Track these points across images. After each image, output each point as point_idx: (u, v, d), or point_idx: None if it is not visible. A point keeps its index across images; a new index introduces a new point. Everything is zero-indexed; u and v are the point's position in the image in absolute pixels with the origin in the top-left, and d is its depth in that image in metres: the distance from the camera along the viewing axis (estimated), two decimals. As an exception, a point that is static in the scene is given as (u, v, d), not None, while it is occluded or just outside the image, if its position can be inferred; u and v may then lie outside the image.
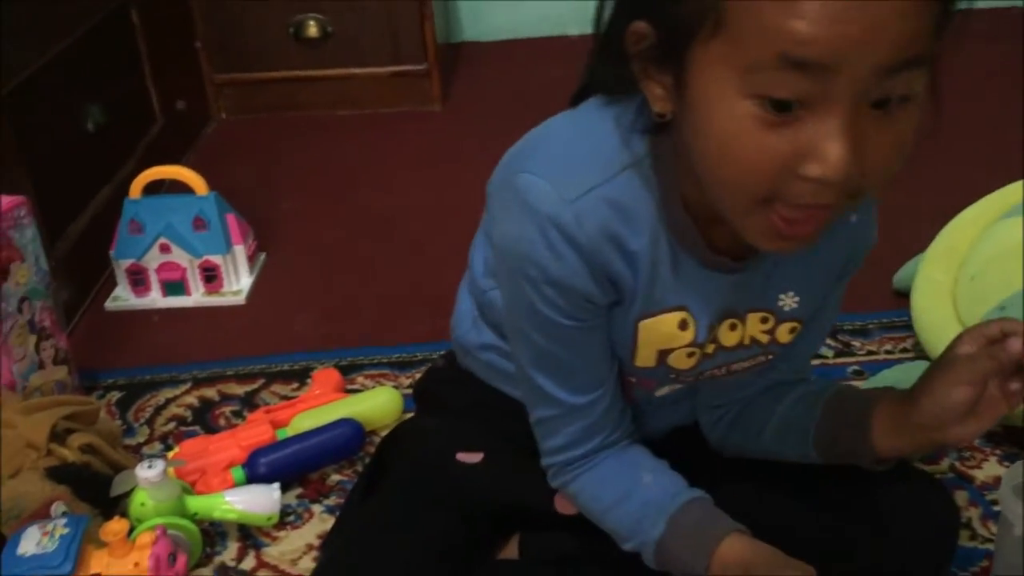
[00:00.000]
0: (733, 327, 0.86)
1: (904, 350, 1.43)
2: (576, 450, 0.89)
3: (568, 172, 0.77)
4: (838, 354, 1.43)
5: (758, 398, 0.95)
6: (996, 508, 1.15)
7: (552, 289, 0.79)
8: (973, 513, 1.15)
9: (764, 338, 0.88)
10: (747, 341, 0.87)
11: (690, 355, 0.86)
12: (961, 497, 1.17)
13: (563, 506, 0.97)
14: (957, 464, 1.21)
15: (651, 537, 0.87)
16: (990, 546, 1.10)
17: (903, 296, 1.50)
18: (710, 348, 0.87)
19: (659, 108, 0.72)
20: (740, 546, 0.84)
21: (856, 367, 1.40)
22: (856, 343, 1.45)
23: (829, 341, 1.45)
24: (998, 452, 1.23)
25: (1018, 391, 0.78)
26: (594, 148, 0.78)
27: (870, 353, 1.43)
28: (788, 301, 0.86)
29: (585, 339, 0.83)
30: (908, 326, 1.44)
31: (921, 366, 1.28)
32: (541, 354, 0.85)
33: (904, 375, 1.28)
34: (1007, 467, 1.18)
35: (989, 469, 1.21)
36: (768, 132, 0.65)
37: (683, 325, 0.84)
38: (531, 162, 0.79)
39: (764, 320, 0.87)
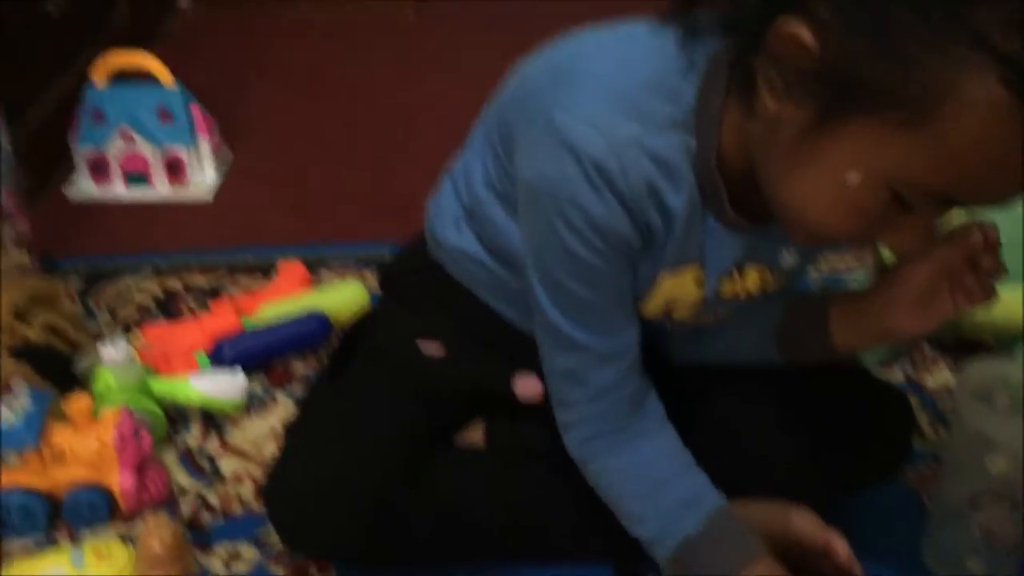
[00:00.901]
0: (731, 278, 0.86)
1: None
2: (605, 421, 0.87)
3: (614, 115, 0.74)
4: (800, 265, 1.45)
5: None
6: (945, 414, 1.19)
7: (592, 232, 0.77)
8: (922, 417, 1.19)
9: (756, 288, 0.88)
10: (742, 293, 0.87)
11: (693, 308, 0.87)
12: (912, 402, 1.20)
13: (524, 388, 0.99)
14: (910, 372, 1.25)
15: (681, 531, 0.86)
16: (938, 449, 1.14)
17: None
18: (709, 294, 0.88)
19: (770, 103, 0.69)
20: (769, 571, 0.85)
21: (818, 278, 1.42)
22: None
23: (792, 253, 1.47)
24: (948, 360, 1.27)
25: (971, 286, 0.79)
26: (642, 90, 0.75)
27: (832, 270, 1.45)
28: (789, 258, 0.87)
29: (619, 281, 0.82)
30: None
31: (881, 277, 1.32)
32: (573, 300, 0.81)
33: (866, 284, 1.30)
34: (957, 376, 1.22)
35: (939, 376, 1.25)
36: (877, 209, 0.68)
37: (699, 282, 0.84)
38: (571, 98, 0.75)
39: (761, 273, 0.87)
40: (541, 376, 0.91)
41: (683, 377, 0.98)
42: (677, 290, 0.84)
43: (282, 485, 0.95)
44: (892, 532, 1.03)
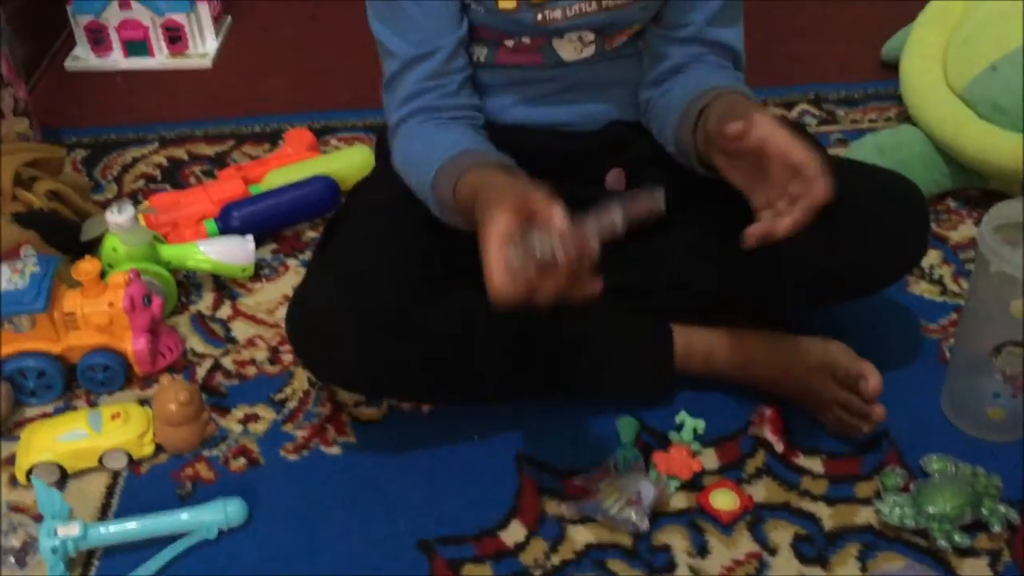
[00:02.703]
0: None
1: (888, 119, 1.41)
2: (412, 103, 0.92)
3: None
4: (821, 122, 1.41)
5: (683, 75, 0.94)
6: (968, 267, 1.16)
7: None
8: (946, 271, 1.16)
9: None
10: None
11: None
12: (935, 255, 1.18)
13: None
14: (934, 225, 1.22)
15: (429, 180, 0.87)
16: (960, 301, 1.12)
17: (891, 67, 1.46)
18: None
19: None
20: (476, 174, 0.83)
21: (839, 135, 1.38)
22: (840, 112, 1.43)
23: (813, 110, 1.43)
24: (974, 215, 1.24)
25: None
26: None
27: (853, 122, 1.41)
28: None
29: None
30: (893, 96, 1.41)
31: (904, 130, 1.28)
32: (383, 1, 0.89)
33: (888, 139, 1.26)
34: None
35: (964, 231, 1.22)
36: None
37: None
38: None
39: None
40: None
41: (696, 191, 0.97)
42: None
43: (301, 306, 0.93)
44: (910, 383, 1.02)
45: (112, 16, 1.55)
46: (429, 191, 0.88)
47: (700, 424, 0.98)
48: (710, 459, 0.97)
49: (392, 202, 0.97)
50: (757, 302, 1.00)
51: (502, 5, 0.90)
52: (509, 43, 0.94)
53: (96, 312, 1.03)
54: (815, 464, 0.96)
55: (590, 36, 0.94)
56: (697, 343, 1.00)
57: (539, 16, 0.90)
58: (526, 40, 0.94)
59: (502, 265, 0.71)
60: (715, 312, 1.01)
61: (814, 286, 0.96)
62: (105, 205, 1.30)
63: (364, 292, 0.91)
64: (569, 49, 0.95)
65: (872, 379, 0.93)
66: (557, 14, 0.91)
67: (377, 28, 0.93)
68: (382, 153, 1.09)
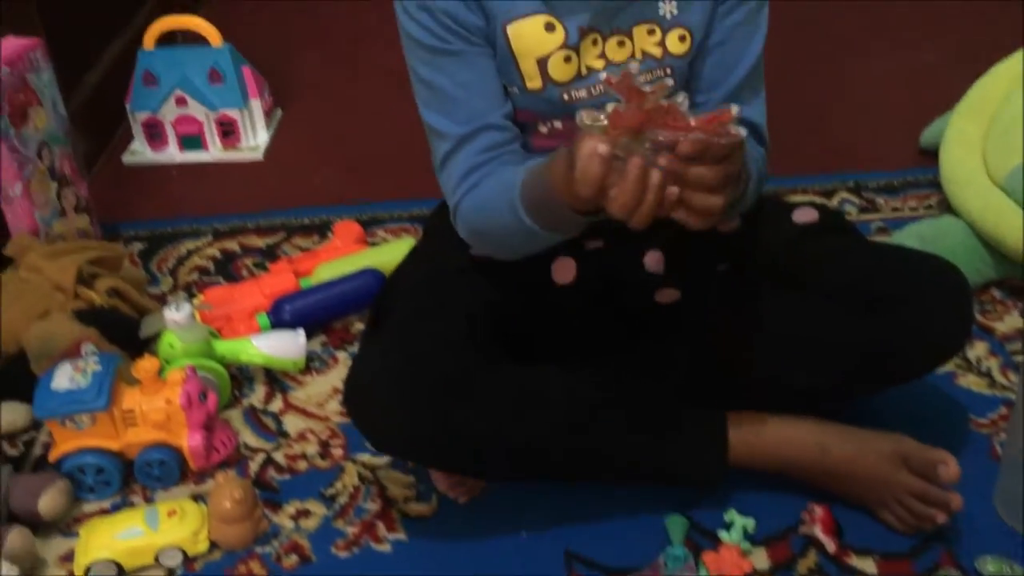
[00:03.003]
0: (622, 43, 0.93)
1: (928, 207, 1.42)
2: (471, 177, 0.94)
3: None
4: (862, 211, 1.42)
5: None
6: (1016, 358, 1.16)
7: (421, 11, 0.90)
8: (993, 363, 1.16)
9: (656, 51, 0.93)
10: (639, 55, 0.93)
11: (567, 60, 0.92)
12: (982, 347, 1.18)
13: (561, 274, 1.02)
14: (979, 316, 1.22)
15: (515, 196, 0.88)
16: (1009, 394, 1.11)
17: (930, 155, 1.48)
18: (599, 64, 0.93)
19: None
20: (560, 152, 0.84)
21: (880, 223, 1.39)
22: (881, 200, 1.44)
23: (853, 198, 1.44)
24: (1020, 305, 1.24)
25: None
26: None
27: (895, 210, 1.42)
28: (667, 8, 0.92)
29: (461, 66, 0.92)
30: (933, 184, 1.43)
31: (946, 220, 1.29)
32: (427, 89, 0.94)
33: (929, 229, 1.27)
34: (1029, 319, 1.19)
35: (1010, 321, 1.22)
36: None
37: (549, 27, 0.91)
38: None
39: (651, 32, 0.93)
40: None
41: (735, 280, 0.99)
42: (530, 40, 0.91)
43: (358, 379, 0.95)
44: (961, 480, 1.01)
45: (169, 112, 1.61)
46: (518, 208, 0.88)
47: (750, 523, 0.98)
48: (761, 559, 0.96)
49: (438, 276, 1.01)
50: (804, 390, 1.00)
51: (530, 85, 0.93)
52: (543, 129, 0.97)
53: (154, 409, 1.06)
54: (868, 565, 0.95)
55: None
56: (769, 433, 0.99)
57: (565, 96, 0.94)
58: (558, 125, 0.97)
59: (592, 138, 0.74)
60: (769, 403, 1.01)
61: (857, 371, 0.97)
62: (160, 298, 1.35)
63: (417, 361, 0.93)
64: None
65: (951, 464, 0.93)
66: (583, 93, 0.94)
67: (425, 113, 0.96)
68: (427, 231, 1.13)
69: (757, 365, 0.99)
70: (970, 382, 1.14)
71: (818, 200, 1.44)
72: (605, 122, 0.75)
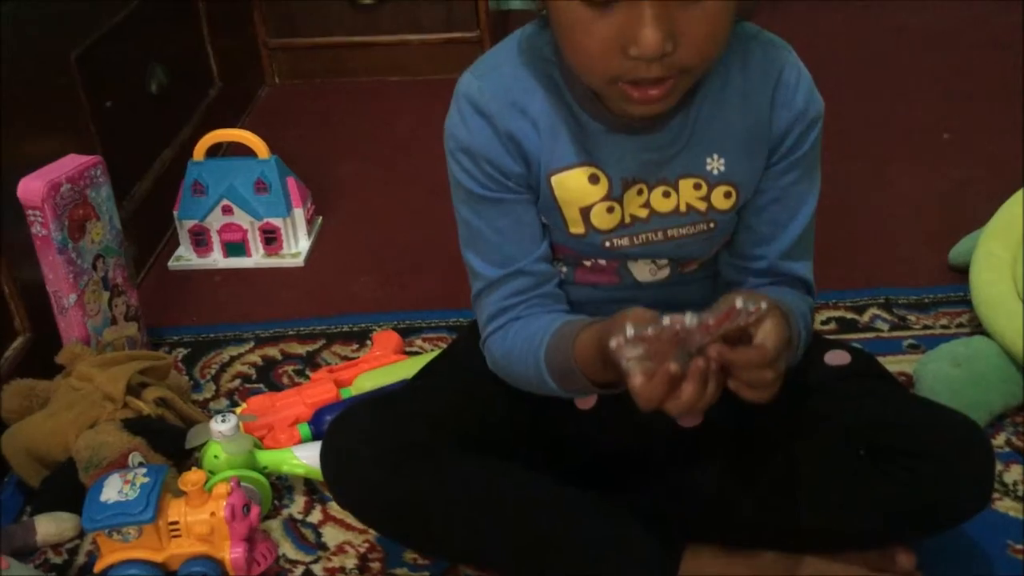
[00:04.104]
0: (667, 195, 0.94)
1: (960, 325, 1.43)
2: (500, 318, 0.98)
3: (484, 62, 0.95)
4: (893, 328, 1.44)
5: None
6: (1052, 482, 1.16)
7: (465, 157, 0.93)
8: (1029, 487, 1.16)
9: (701, 205, 0.95)
10: (683, 208, 0.95)
11: (610, 210, 0.94)
12: (1017, 471, 1.18)
13: (582, 401, 1.04)
14: (1013, 438, 1.23)
15: (540, 359, 0.93)
16: (1046, 519, 1.11)
17: (959, 272, 1.50)
18: (643, 213, 0.95)
19: (538, 8, 0.90)
20: (588, 331, 0.90)
21: (912, 341, 1.41)
22: (912, 317, 1.46)
23: (884, 315, 1.46)
24: (1055, 427, 1.24)
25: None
26: (509, 45, 0.95)
27: (926, 327, 1.44)
28: (715, 164, 0.94)
29: (498, 213, 0.95)
30: (964, 301, 1.45)
31: (978, 341, 1.30)
32: (467, 228, 0.98)
33: (962, 350, 1.29)
34: (1064, 442, 1.20)
35: (1045, 444, 1.22)
36: (594, 23, 0.81)
37: (593, 179, 0.93)
38: (472, 65, 0.96)
39: (697, 187, 0.94)
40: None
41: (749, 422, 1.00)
42: (573, 191, 0.94)
43: (335, 424, 1.03)
44: (1003, 609, 1.01)
45: (215, 220, 1.67)
46: (543, 366, 0.93)
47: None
48: None
49: (460, 369, 1.05)
50: (811, 530, 0.99)
51: (572, 230, 0.96)
52: (587, 263, 1.00)
53: (199, 521, 1.08)
54: None
55: (663, 260, 1.00)
56: (708, 568, 0.99)
57: (607, 243, 0.97)
58: (602, 262, 1.00)
59: (638, 368, 0.78)
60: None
61: (869, 523, 0.97)
62: (203, 404, 1.38)
63: (392, 424, 0.98)
64: (644, 271, 1.01)
65: (906, 554, 0.97)
66: (625, 241, 0.97)
67: (463, 249, 1.00)
68: (460, 338, 1.16)
69: (763, 500, 0.99)
70: (1007, 507, 1.14)
71: (848, 316, 1.46)
72: (642, 353, 0.78)
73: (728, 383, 0.81)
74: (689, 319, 0.78)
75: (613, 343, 0.79)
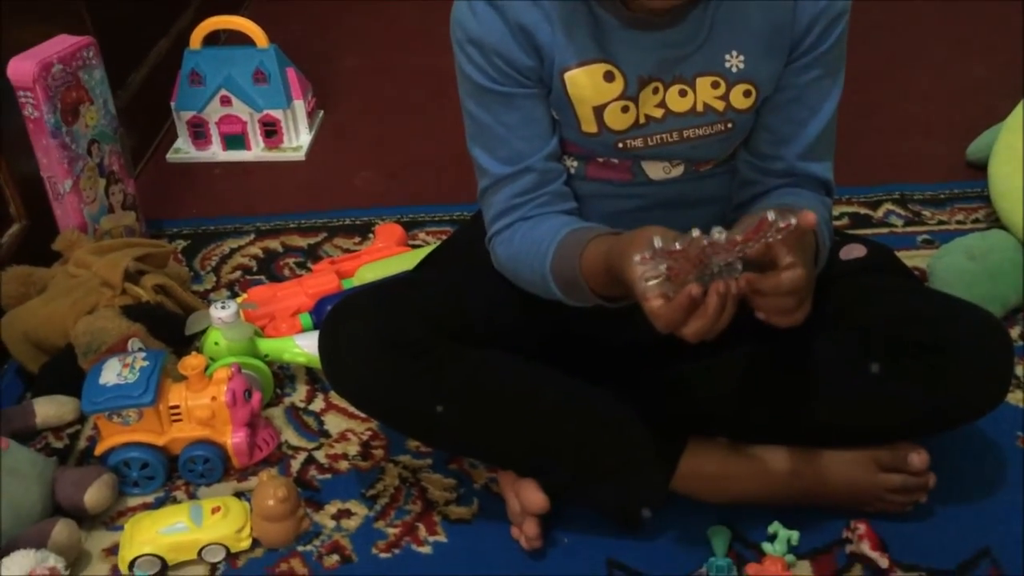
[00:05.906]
0: (683, 93, 0.90)
1: (976, 220, 1.40)
2: (506, 217, 0.95)
3: None
4: (908, 223, 1.41)
5: (768, 198, 0.95)
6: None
7: (473, 48, 0.89)
8: (1041, 380, 1.15)
9: (719, 104, 0.91)
10: (700, 107, 0.91)
11: (624, 110, 0.90)
12: (1030, 364, 1.17)
13: None
14: (1027, 332, 1.21)
15: (546, 268, 0.91)
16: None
17: (976, 168, 1.47)
18: (658, 113, 0.91)
19: None
20: (596, 244, 0.87)
21: (926, 236, 1.38)
22: (927, 212, 1.43)
23: (898, 210, 1.43)
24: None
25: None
26: None
27: (940, 223, 1.41)
28: (734, 61, 0.89)
29: (507, 108, 0.91)
30: (980, 197, 1.41)
31: (994, 235, 1.27)
32: (474, 123, 0.94)
33: (978, 243, 1.26)
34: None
35: (1059, 338, 1.20)
36: None
37: (608, 77, 0.89)
38: None
39: (715, 85, 0.90)
40: None
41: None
42: (588, 88, 0.89)
43: (333, 312, 0.99)
44: (1007, 497, 1.00)
45: (213, 112, 1.62)
46: (548, 275, 0.91)
47: (794, 535, 0.97)
48: (805, 571, 0.96)
49: (463, 259, 1.03)
50: (823, 426, 0.98)
51: (585, 129, 0.92)
52: (600, 160, 0.96)
53: (199, 406, 1.07)
54: (915, 580, 0.95)
55: (678, 160, 0.96)
56: (732, 463, 0.98)
57: (620, 144, 0.93)
58: (614, 160, 0.96)
59: (657, 291, 0.76)
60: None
61: (884, 417, 0.96)
62: (203, 295, 1.36)
63: (390, 321, 0.95)
64: (657, 169, 0.96)
65: (917, 453, 0.96)
66: (638, 143, 0.93)
67: (470, 144, 0.96)
68: (462, 229, 1.14)
69: (778, 397, 0.98)
70: (1018, 399, 1.12)
71: (863, 211, 1.43)
72: (665, 272, 0.75)
73: (756, 314, 0.78)
74: (716, 233, 0.74)
75: (637, 257, 0.76)
